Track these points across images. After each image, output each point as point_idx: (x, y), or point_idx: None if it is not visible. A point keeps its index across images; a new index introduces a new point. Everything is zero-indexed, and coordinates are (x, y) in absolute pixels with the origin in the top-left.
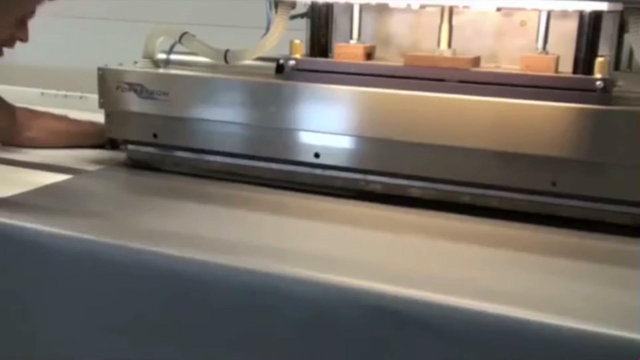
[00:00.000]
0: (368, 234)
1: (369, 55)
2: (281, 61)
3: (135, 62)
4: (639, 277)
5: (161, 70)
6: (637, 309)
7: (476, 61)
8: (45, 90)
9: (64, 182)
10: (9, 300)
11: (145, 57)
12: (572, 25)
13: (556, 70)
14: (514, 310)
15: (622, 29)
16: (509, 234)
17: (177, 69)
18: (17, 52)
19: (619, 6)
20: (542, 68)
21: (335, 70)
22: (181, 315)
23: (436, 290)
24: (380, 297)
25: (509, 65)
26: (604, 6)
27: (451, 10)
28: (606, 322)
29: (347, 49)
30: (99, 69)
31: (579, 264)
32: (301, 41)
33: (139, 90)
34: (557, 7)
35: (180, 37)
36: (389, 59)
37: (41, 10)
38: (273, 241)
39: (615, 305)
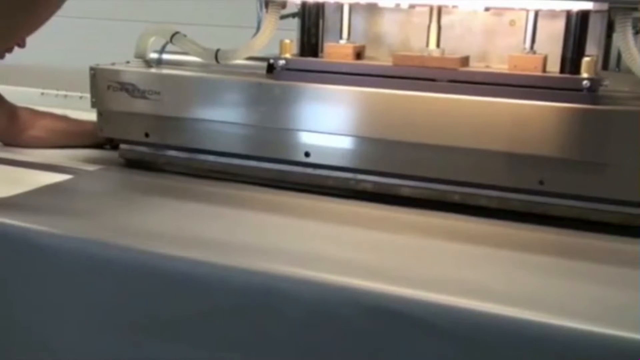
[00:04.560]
0: (367, 234)
1: (359, 54)
2: (271, 61)
3: (128, 62)
4: (639, 277)
5: (153, 70)
6: (637, 309)
7: (465, 61)
8: (45, 90)
9: (63, 182)
10: (9, 299)
11: (137, 56)
12: (560, 25)
13: (544, 70)
14: (514, 310)
15: (610, 28)
16: (507, 233)
17: (168, 68)
18: (17, 52)
19: (606, 5)
20: (530, 68)
21: (325, 69)
22: (180, 315)
23: (436, 290)
24: (380, 297)
25: (499, 65)
26: (589, 5)
27: (440, 10)
28: (606, 322)
29: (337, 49)
30: (91, 69)
31: (577, 264)
32: (291, 41)
33: (131, 89)
34: (544, 6)
35: (172, 36)
36: (379, 58)
37: None
38: (273, 241)
39: (615, 305)
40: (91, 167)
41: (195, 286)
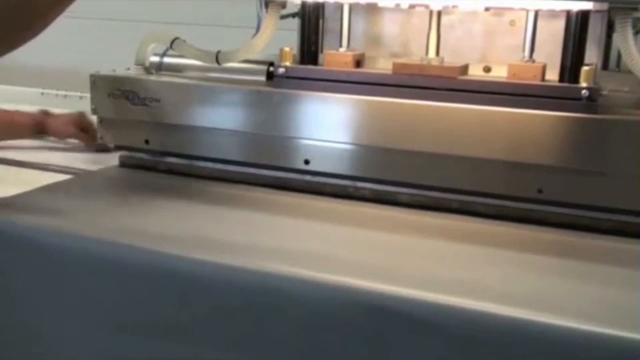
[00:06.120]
0: (367, 234)
1: (359, 62)
2: (271, 69)
3: (128, 69)
4: (639, 277)
5: (153, 77)
6: (637, 309)
7: (464, 69)
8: (45, 90)
9: (64, 182)
10: (9, 299)
11: (137, 63)
12: (560, 25)
13: (543, 78)
14: (515, 310)
15: (610, 28)
16: (507, 233)
17: (169, 75)
18: (18, 52)
19: (606, 5)
20: (529, 76)
21: (325, 78)
22: (180, 315)
23: (436, 290)
24: (380, 297)
25: (499, 65)
26: (589, 6)
27: (439, 15)
28: (606, 322)
29: (336, 57)
30: (91, 76)
31: (577, 264)
32: (291, 48)
33: (131, 97)
34: (544, 6)
35: (172, 42)
36: (379, 60)
37: None
38: (272, 241)
39: (615, 305)
40: (91, 167)
41: (195, 286)
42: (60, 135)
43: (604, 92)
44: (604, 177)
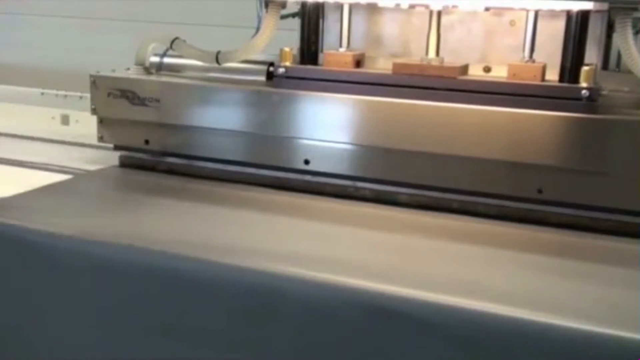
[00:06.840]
0: (367, 234)
1: (359, 62)
2: (271, 69)
3: (128, 69)
4: (639, 277)
5: (153, 77)
6: (637, 309)
7: (464, 69)
8: (45, 90)
9: (63, 182)
10: (9, 299)
11: (137, 63)
12: (560, 25)
13: (543, 79)
14: (515, 310)
15: (610, 29)
16: (507, 233)
17: (168, 75)
18: (18, 52)
19: (606, 5)
20: (529, 76)
21: (325, 78)
22: (180, 314)
23: (436, 290)
24: (380, 297)
25: (499, 65)
26: (589, 6)
27: (439, 15)
28: (606, 322)
29: (336, 57)
30: (91, 76)
31: (577, 264)
32: (291, 49)
33: (131, 97)
34: (544, 6)
35: (172, 43)
36: (379, 60)
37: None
38: (273, 241)
39: (615, 305)
40: (91, 167)
41: (195, 286)
42: None
43: (604, 92)
44: (604, 177)
